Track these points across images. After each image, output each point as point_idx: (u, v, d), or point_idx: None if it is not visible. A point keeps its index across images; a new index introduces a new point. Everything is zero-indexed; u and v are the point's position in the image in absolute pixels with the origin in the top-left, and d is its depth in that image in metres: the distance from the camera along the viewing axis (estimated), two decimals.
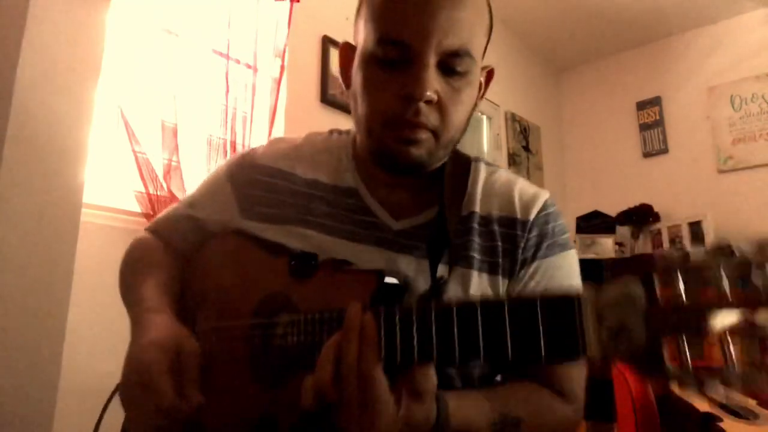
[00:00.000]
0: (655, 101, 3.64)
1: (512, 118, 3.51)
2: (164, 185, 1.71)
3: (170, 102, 1.76)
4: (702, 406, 1.40)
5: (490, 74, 0.74)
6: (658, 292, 0.36)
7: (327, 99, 2.30)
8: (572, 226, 3.67)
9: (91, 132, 1.34)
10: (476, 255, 0.68)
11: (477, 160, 0.78)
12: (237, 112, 1.93)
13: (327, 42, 2.35)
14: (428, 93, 0.60)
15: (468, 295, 0.66)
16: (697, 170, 3.40)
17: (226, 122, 1.90)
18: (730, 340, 0.33)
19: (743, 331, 0.33)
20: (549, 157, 3.84)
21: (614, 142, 3.81)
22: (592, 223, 3.47)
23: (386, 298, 0.57)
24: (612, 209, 3.46)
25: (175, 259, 0.85)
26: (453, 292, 0.66)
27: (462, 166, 0.74)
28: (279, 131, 2.13)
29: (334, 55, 2.36)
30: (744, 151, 3.25)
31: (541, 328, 0.41)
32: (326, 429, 0.59)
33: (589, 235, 3.35)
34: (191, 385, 0.61)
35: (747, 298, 0.33)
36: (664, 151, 3.57)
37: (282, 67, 2.09)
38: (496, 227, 0.70)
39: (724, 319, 0.33)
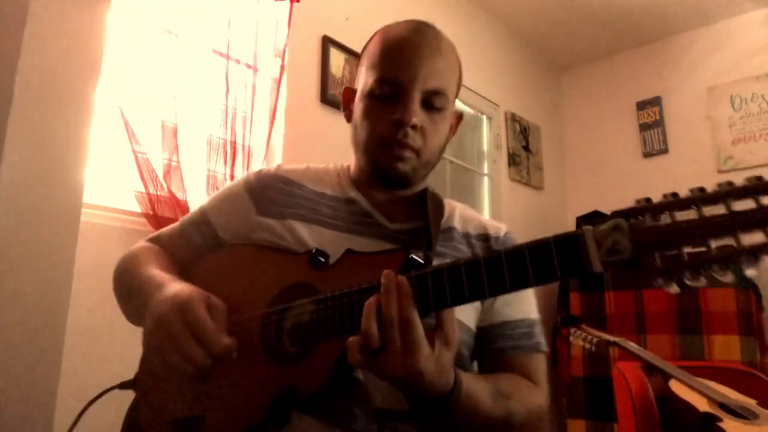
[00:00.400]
0: (655, 101, 3.64)
1: (512, 118, 3.51)
2: (164, 185, 1.71)
3: (170, 102, 1.77)
4: (702, 406, 1.40)
5: (459, 118, 0.92)
6: (634, 223, 0.53)
7: (327, 99, 2.30)
8: (572, 226, 3.67)
9: (91, 132, 1.34)
10: (460, 256, 0.80)
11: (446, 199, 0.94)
12: (237, 112, 1.94)
13: (327, 42, 2.35)
14: (414, 120, 0.78)
15: None
16: (697, 170, 3.40)
17: (226, 122, 1.90)
18: (684, 252, 0.50)
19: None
20: (549, 157, 3.84)
21: (614, 142, 3.81)
22: (592, 223, 3.47)
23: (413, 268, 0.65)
24: (612, 209, 3.41)
25: (172, 260, 0.88)
26: None
27: (437, 195, 0.91)
28: (279, 131, 2.13)
29: (334, 55, 2.36)
30: (744, 151, 3.25)
31: (555, 257, 0.54)
32: (342, 395, 0.68)
33: None
34: (224, 328, 0.67)
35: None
36: (664, 151, 3.57)
37: (282, 67, 2.09)
38: (474, 241, 0.87)
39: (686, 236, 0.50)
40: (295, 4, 2.13)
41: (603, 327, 2.16)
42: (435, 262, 0.71)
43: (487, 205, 3.23)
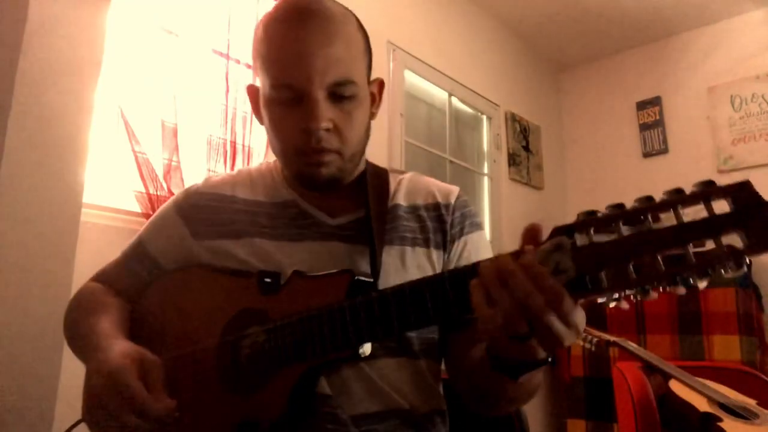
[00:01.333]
0: (655, 101, 3.64)
1: (512, 118, 3.51)
2: (164, 185, 1.71)
3: (170, 102, 1.76)
4: (702, 406, 1.40)
5: (381, 85, 0.85)
6: (578, 241, 0.49)
7: None
8: None
9: (91, 132, 1.34)
10: (408, 234, 0.80)
11: (392, 170, 0.91)
12: (237, 112, 1.93)
13: None
14: (323, 124, 0.72)
15: (405, 267, 0.76)
16: (697, 170, 3.39)
17: (226, 122, 1.90)
18: (631, 268, 0.47)
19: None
20: (549, 157, 3.84)
21: (614, 142, 3.81)
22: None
23: (359, 293, 0.64)
24: None
25: (122, 300, 0.86)
26: (393, 266, 0.76)
27: (380, 173, 0.87)
28: None
29: None
30: (744, 151, 3.25)
31: None
32: (306, 424, 0.66)
33: None
34: (160, 389, 0.64)
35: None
36: (664, 151, 3.57)
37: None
38: (423, 212, 0.83)
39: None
40: None
41: (603, 327, 2.16)
42: (384, 253, 0.75)
43: (487, 205, 3.23)
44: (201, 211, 0.84)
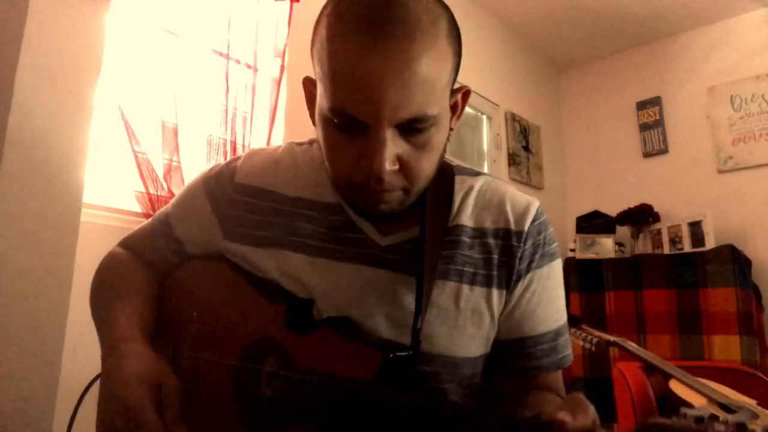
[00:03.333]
0: (655, 101, 3.64)
1: (512, 118, 3.51)
2: (164, 185, 1.71)
3: (170, 102, 1.76)
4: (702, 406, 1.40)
5: (466, 94, 0.69)
6: None
7: None
8: (572, 226, 3.67)
9: (91, 132, 1.34)
10: (468, 269, 0.68)
11: (459, 170, 0.75)
12: (237, 112, 1.93)
13: None
14: (387, 167, 0.58)
15: (459, 310, 0.67)
16: (697, 170, 3.39)
17: (226, 122, 1.90)
18: None
19: None
20: (549, 157, 3.84)
21: (614, 142, 3.81)
22: (592, 223, 3.47)
23: (393, 369, 0.57)
24: (612, 209, 3.45)
25: (151, 276, 0.83)
26: (444, 307, 0.67)
27: (446, 179, 0.72)
28: (279, 131, 2.13)
29: None
30: (744, 151, 3.24)
31: None
32: None
33: (589, 235, 3.35)
34: (177, 422, 0.62)
35: None
36: (664, 151, 3.57)
37: (282, 67, 2.09)
38: (491, 240, 0.70)
39: None
40: (295, 4, 2.13)
41: (603, 327, 2.16)
42: (435, 288, 0.65)
43: None
44: (235, 208, 0.74)
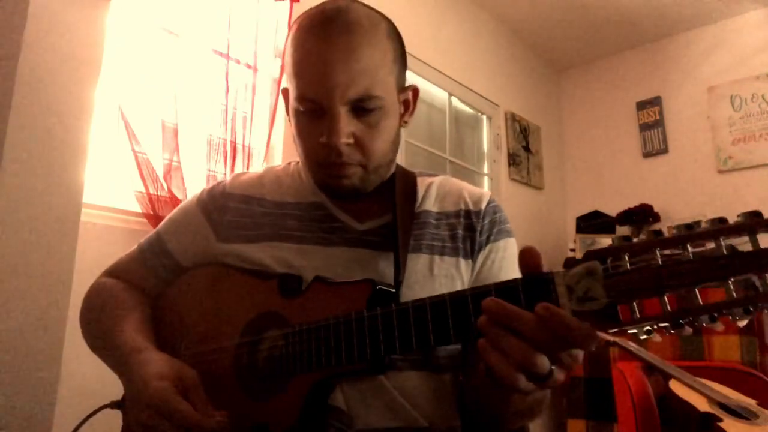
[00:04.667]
0: (655, 101, 3.64)
1: (512, 118, 3.51)
2: (164, 185, 1.71)
3: (170, 102, 1.76)
4: (702, 406, 1.40)
5: (415, 92, 0.83)
6: (610, 267, 0.47)
7: None
8: (572, 226, 3.67)
9: (91, 132, 1.34)
10: (437, 243, 0.79)
11: (420, 173, 0.89)
12: (237, 112, 1.93)
13: None
14: (343, 140, 0.71)
15: (433, 276, 0.75)
16: (697, 170, 3.40)
17: (226, 122, 1.90)
18: (666, 300, 0.45)
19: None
20: (549, 157, 3.84)
21: (614, 142, 3.81)
22: (592, 223, 3.47)
23: (380, 303, 0.62)
24: (612, 209, 3.46)
25: (143, 297, 0.85)
26: (420, 275, 0.75)
27: (408, 177, 0.85)
28: (279, 131, 2.13)
29: None
30: (744, 151, 3.25)
31: (523, 301, 0.50)
32: (317, 428, 0.65)
33: (589, 235, 3.35)
34: (205, 405, 0.64)
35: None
36: (664, 151, 3.57)
37: (282, 67, 2.09)
38: (453, 220, 0.82)
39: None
40: (295, 4, 2.13)
41: None
42: (409, 260, 0.74)
43: None
44: (227, 213, 0.83)
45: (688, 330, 0.44)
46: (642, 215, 3.28)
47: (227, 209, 0.83)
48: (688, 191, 3.38)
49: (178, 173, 1.75)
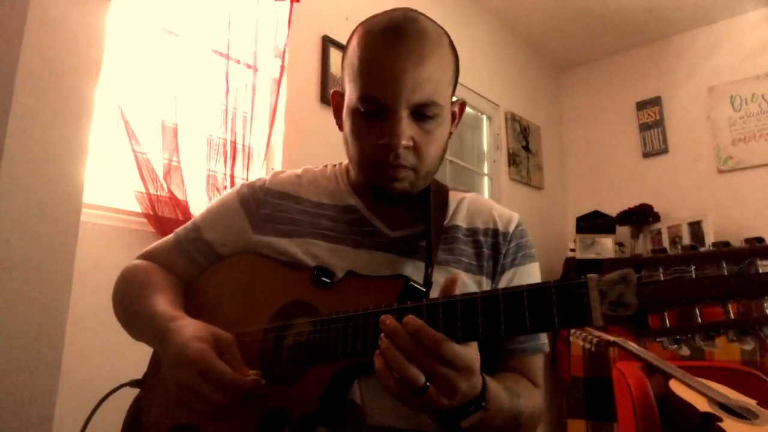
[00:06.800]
0: (655, 101, 3.64)
1: (512, 118, 3.51)
2: (164, 185, 1.71)
3: (170, 102, 1.76)
4: (702, 406, 1.40)
5: (462, 106, 0.86)
6: (644, 276, 0.49)
7: (327, 99, 2.30)
8: (572, 226, 3.67)
9: (91, 132, 1.34)
10: (463, 259, 0.81)
11: (452, 188, 0.91)
12: (237, 112, 1.94)
13: (327, 42, 2.35)
14: (403, 142, 0.73)
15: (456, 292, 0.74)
16: (697, 170, 3.40)
17: (226, 122, 1.90)
18: (698, 312, 0.47)
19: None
20: (549, 157, 3.84)
21: (614, 142, 3.81)
22: (592, 223, 3.47)
23: (410, 300, 0.62)
24: (612, 209, 3.46)
25: (175, 280, 0.88)
26: None
27: (441, 191, 0.88)
28: (279, 131, 2.13)
29: (334, 55, 2.36)
30: (744, 151, 3.25)
31: (555, 305, 0.51)
32: (334, 418, 0.66)
33: (589, 235, 3.35)
34: (240, 364, 0.67)
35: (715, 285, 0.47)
36: (664, 151, 3.57)
37: (282, 67, 2.09)
38: (481, 238, 0.84)
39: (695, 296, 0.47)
40: (295, 4, 2.13)
41: (603, 327, 2.15)
42: (436, 272, 0.75)
43: None
44: (265, 207, 0.86)
45: (717, 343, 0.46)
46: (642, 215, 3.28)
47: (265, 204, 0.86)
48: (688, 191, 3.38)
49: (178, 173, 1.75)
